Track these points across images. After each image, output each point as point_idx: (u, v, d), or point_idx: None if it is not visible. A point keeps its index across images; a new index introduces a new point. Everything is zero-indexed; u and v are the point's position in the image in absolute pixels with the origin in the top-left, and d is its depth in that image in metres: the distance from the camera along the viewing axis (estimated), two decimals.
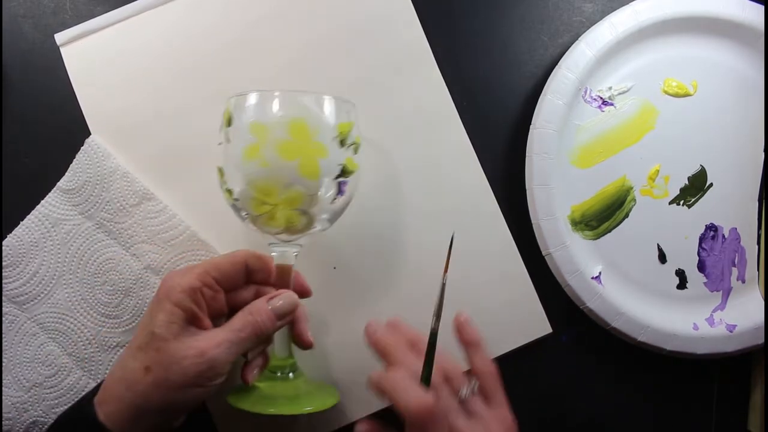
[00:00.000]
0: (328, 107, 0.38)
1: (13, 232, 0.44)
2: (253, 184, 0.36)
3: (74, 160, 0.45)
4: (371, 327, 0.39)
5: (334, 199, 0.38)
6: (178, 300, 0.35)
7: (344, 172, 0.38)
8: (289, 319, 0.39)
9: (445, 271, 0.37)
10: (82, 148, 0.45)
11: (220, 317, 0.38)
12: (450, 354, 0.39)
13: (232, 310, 0.38)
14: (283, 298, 0.38)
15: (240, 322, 0.36)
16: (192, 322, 0.35)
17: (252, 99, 0.37)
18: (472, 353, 0.39)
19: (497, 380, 0.38)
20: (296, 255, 0.40)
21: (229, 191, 0.38)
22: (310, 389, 0.41)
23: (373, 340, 0.39)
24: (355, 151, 0.39)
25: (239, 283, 0.39)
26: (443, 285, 0.37)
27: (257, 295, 0.40)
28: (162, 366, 0.34)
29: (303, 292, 0.41)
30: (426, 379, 0.35)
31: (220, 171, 0.39)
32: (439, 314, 0.37)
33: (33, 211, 0.44)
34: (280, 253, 0.40)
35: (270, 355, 0.41)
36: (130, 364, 0.34)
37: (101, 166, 0.44)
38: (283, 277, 0.40)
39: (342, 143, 0.38)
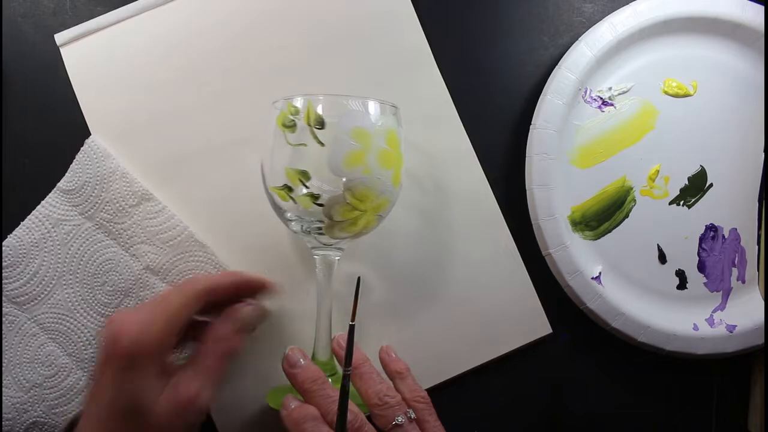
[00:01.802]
0: (400, 118, 0.40)
1: (14, 233, 0.44)
2: (352, 191, 0.36)
3: (74, 160, 0.44)
4: (291, 357, 0.38)
5: None
6: (152, 358, 0.33)
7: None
8: (253, 329, 0.39)
9: (353, 318, 0.37)
10: (81, 148, 0.45)
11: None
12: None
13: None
14: (244, 311, 0.38)
15: (211, 358, 0.35)
16: (166, 374, 0.34)
17: (353, 104, 0.37)
18: (400, 383, 0.39)
19: (430, 407, 0.38)
20: (338, 260, 0.41)
21: (313, 196, 0.36)
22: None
23: (289, 374, 0.38)
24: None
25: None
26: (351, 328, 0.36)
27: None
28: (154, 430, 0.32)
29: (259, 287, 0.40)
30: (340, 430, 0.35)
31: (302, 174, 0.37)
32: (349, 360, 0.36)
33: (33, 212, 0.44)
34: (323, 257, 0.40)
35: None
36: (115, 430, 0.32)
37: (101, 166, 0.44)
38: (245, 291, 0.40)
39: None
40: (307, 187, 0.37)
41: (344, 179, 0.36)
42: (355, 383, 0.38)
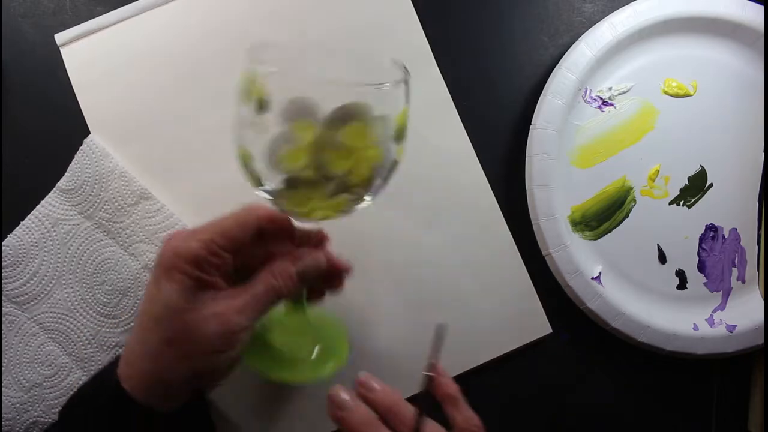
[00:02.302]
0: (390, 98, 0.31)
1: (13, 232, 0.44)
2: (291, 190, 0.32)
3: (73, 160, 0.44)
4: (336, 398, 0.35)
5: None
6: (184, 270, 0.33)
7: (393, 166, 0.33)
8: (311, 281, 0.37)
9: (430, 369, 0.35)
10: (80, 147, 0.45)
11: (228, 274, 0.35)
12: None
13: (243, 264, 0.36)
14: (308, 260, 0.36)
15: (262, 285, 0.34)
16: (203, 287, 0.34)
17: (295, 84, 0.29)
18: (452, 409, 0.36)
19: None
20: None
21: (256, 179, 0.32)
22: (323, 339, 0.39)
23: (337, 418, 0.35)
24: (405, 137, 0.33)
25: (248, 244, 0.36)
26: (428, 379, 0.35)
27: (270, 254, 0.37)
28: (183, 337, 0.32)
29: (335, 270, 0.39)
30: None
31: (245, 155, 0.32)
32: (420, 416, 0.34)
33: (33, 211, 0.44)
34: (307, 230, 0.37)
35: None
36: (149, 337, 0.33)
37: (99, 165, 0.44)
38: (307, 239, 0.37)
39: (398, 138, 0.32)
40: (253, 170, 0.32)
41: (283, 174, 0.31)
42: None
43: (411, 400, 0.45)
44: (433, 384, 0.36)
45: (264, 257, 0.36)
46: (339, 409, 0.35)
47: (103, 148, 0.45)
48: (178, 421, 0.36)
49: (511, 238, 0.46)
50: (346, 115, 0.29)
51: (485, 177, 0.46)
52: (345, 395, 0.35)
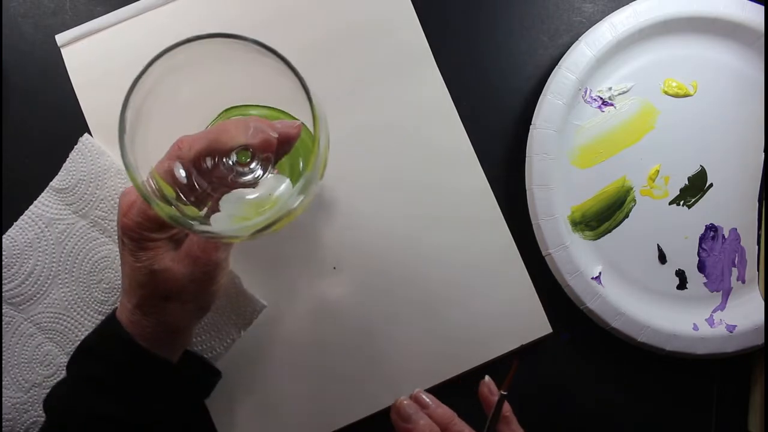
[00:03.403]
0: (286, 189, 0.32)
1: (7, 233, 0.44)
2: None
3: (67, 159, 0.44)
4: (402, 411, 0.36)
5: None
6: (133, 239, 0.34)
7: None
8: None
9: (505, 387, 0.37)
10: (75, 147, 0.44)
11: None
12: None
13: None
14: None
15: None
16: (162, 247, 0.35)
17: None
18: (506, 428, 0.38)
19: None
20: None
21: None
22: None
23: (403, 430, 0.36)
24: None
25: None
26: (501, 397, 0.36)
27: None
28: (178, 291, 0.34)
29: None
30: None
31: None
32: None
33: (26, 212, 0.44)
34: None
35: None
36: (146, 295, 0.35)
37: (95, 163, 0.44)
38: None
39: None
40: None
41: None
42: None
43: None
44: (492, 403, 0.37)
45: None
46: (404, 421, 0.36)
47: (99, 146, 0.45)
48: (189, 367, 0.39)
49: (511, 238, 0.46)
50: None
51: (485, 177, 0.46)
52: (410, 408, 0.36)
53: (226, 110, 0.37)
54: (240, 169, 0.35)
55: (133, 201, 0.34)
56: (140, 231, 0.34)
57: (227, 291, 0.43)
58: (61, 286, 0.44)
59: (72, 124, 0.45)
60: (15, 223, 0.44)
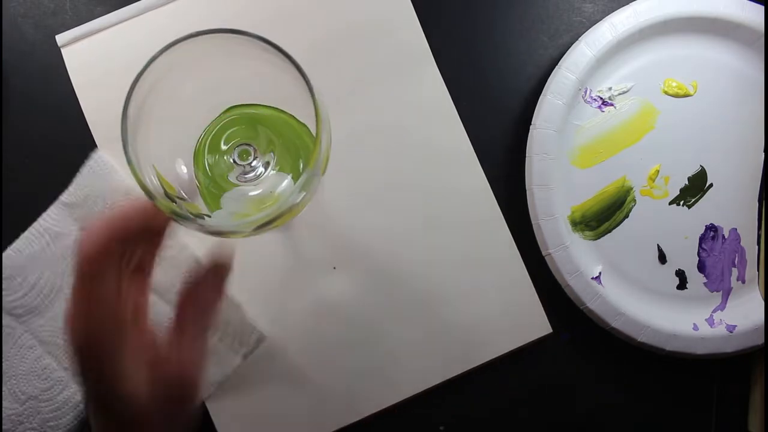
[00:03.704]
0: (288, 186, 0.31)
1: (13, 245, 0.44)
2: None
3: (78, 173, 0.44)
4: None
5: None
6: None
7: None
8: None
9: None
10: (87, 162, 0.44)
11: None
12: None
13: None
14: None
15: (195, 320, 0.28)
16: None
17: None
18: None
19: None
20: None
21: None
22: None
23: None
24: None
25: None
26: None
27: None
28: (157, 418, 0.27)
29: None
30: None
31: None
32: None
33: (34, 224, 0.44)
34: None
35: None
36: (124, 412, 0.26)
37: (105, 180, 0.44)
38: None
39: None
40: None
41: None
42: None
43: (411, 399, 0.45)
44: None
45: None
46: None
47: (111, 164, 0.44)
48: None
49: (511, 238, 0.46)
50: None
51: (485, 177, 0.46)
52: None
53: (228, 109, 0.37)
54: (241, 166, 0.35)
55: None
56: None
57: (230, 319, 0.42)
58: (63, 300, 0.43)
59: (72, 125, 0.45)
60: (22, 235, 0.44)
